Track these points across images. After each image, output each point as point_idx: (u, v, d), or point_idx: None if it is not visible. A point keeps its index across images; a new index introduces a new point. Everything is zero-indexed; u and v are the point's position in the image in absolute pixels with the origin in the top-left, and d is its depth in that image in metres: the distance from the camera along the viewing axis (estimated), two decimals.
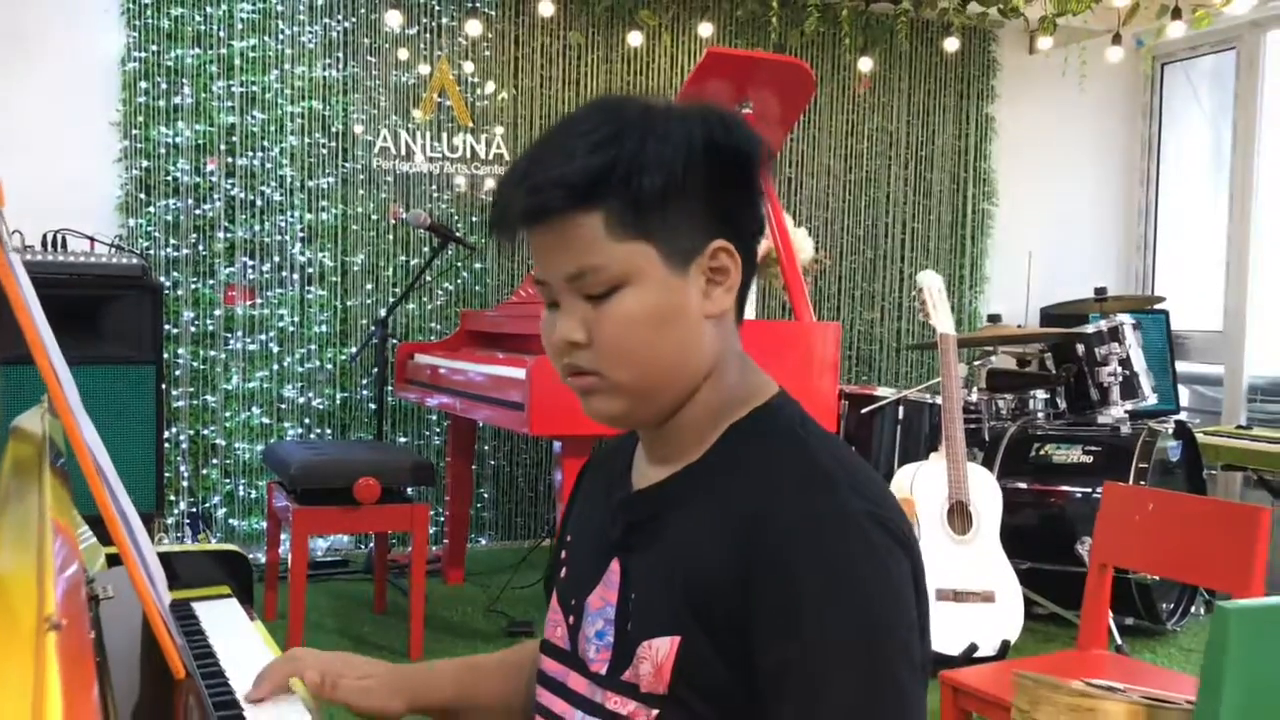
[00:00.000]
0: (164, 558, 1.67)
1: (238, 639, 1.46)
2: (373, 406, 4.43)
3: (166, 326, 4.21)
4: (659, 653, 0.98)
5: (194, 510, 4.40)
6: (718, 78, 3.53)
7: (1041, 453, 3.85)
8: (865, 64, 5.26)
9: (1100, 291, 4.34)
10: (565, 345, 1.01)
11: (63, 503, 0.88)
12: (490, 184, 4.80)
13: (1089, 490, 3.70)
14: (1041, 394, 4.23)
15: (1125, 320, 4.07)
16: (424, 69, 4.71)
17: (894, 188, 5.58)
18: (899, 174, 5.58)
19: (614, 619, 1.05)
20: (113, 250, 3.92)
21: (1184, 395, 5.64)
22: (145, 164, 4.29)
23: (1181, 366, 5.55)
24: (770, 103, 3.68)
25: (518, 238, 1.02)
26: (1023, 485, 3.82)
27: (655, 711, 0.98)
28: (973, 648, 3.19)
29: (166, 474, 4.19)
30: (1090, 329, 4.06)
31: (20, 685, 0.38)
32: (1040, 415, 4.19)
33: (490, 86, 4.81)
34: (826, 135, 5.43)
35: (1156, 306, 5.16)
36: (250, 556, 4.26)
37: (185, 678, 0.88)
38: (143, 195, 4.29)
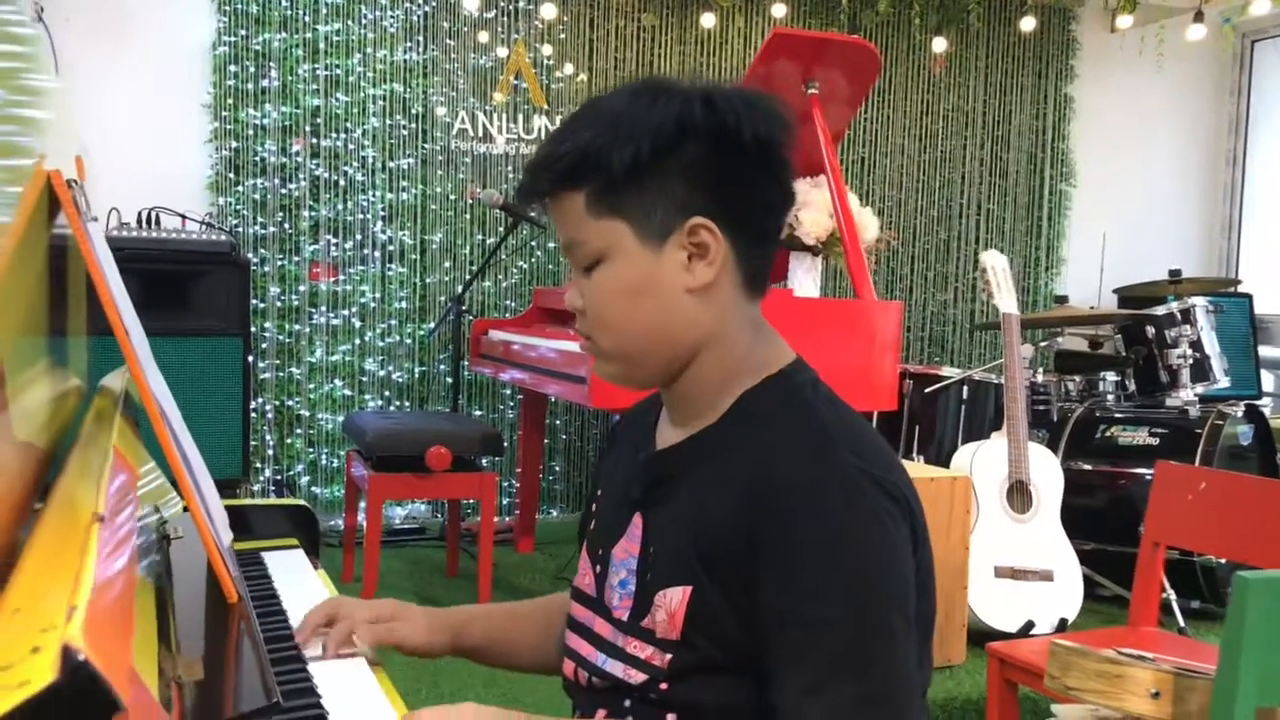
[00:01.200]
0: (238, 510, 1.79)
1: (299, 584, 1.57)
2: (449, 380, 4.56)
3: (254, 301, 4.38)
4: (672, 601, 1.07)
5: (279, 478, 4.59)
6: (783, 58, 3.57)
7: (1107, 434, 3.84)
8: (939, 44, 5.24)
9: (1175, 273, 4.30)
10: (573, 309, 1.11)
11: (128, 440, 0.98)
12: None
13: (1153, 472, 3.67)
14: (1112, 376, 4.21)
15: (1198, 303, 4.02)
16: (502, 52, 4.82)
17: (969, 168, 5.55)
18: (974, 154, 5.55)
19: (636, 570, 1.13)
20: (203, 228, 4.09)
21: (1267, 380, 5.54)
22: (234, 145, 4.46)
23: (1265, 351, 5.44)
24: (837, 83, 3.72)
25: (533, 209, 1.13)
26: (1087, 466, 3.82)
27: (669, 655, 1.07)
28: (1029, 625, 3.21)
29: (253, 442, 4.37)
30: (1160, 311, 4.02)
31: (69, 569, 0.48)
32: (1110, 397, 4.17)
33: (567, 69, 4.91)
34: (901, 115, 5.42)
35: (1237, 290, 5.07)
36: (331, 523, 4.45)
37: (238, 601, 0.99)
38: (232, 175, 4.47)
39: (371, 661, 1.25)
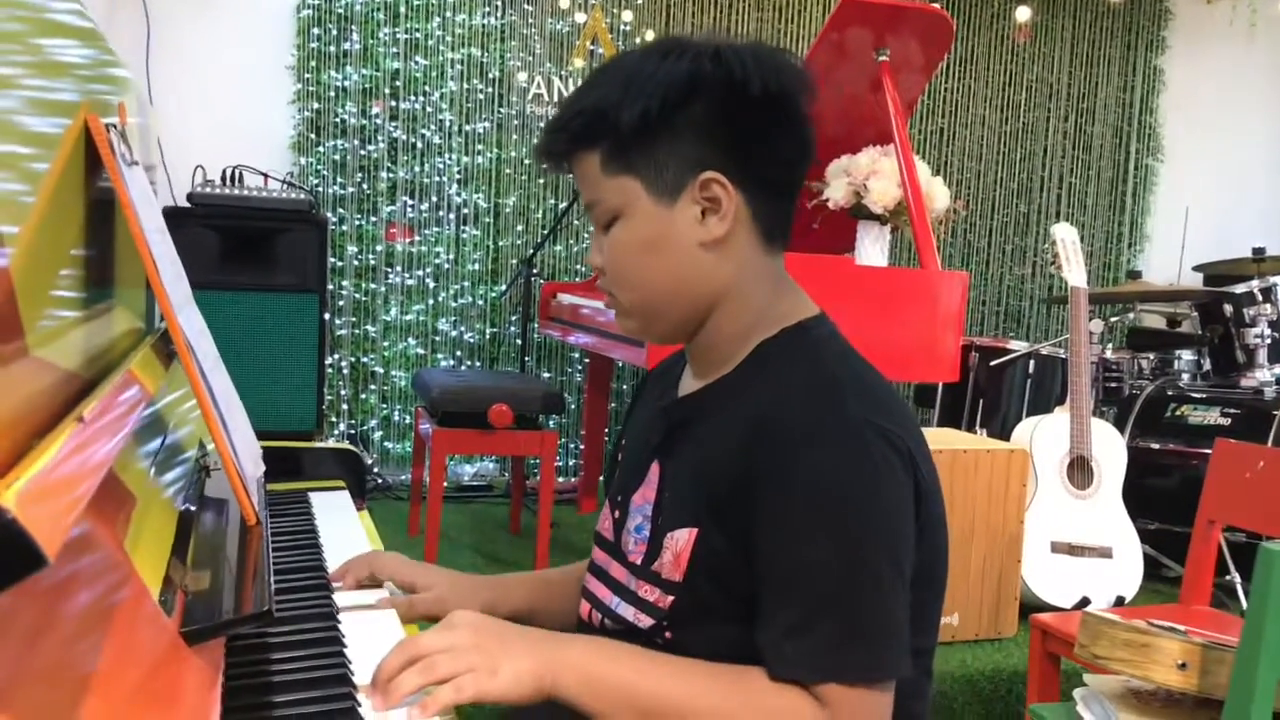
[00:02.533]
0: (289, 452, 1.88)
1: (340, 521, 1.65)
2: (518, 341, 4.64)
3: (331, 259, 4.50)
4: (678, 543, 1.10)
5: (352, 432, 4.72)
6: (855, 25, 3.55)
7: (1177, 413, 3.77)
8: (1023, 13, 5.14)
9: (1258, 251, 4.19)
10: (594, 268, 1.15)
11: (150, 366, 1.05)
12: None
13: None
14: (1187, 355, 4.12)
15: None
16: (579, 17, 4.85)
17: (1052, 140, 5.45)
18: (1057, 126, 5.45)
19: (650, 515, 1.18)
20: (284, 186, 4.20)
21: None
22: (316, 106, 4.57)
23: None
24: (910, 51, 3.68)
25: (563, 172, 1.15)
26: (1155, 445, 3.75)
27: (671, 597, 1.11)
28: (1084, 601, 3.18)
29: (328, 397, 4.51)
30: (1239, 289, 3.92)
31: (39, 452, 0.53)
32: (1185, 376, 4.09)
33: (649, 35, 4.92)
34: (982, 85, 5.34)
35: None
36: (402, 477, 4.56)
37: (256, 524, 1.05)
38: (313, 136, 4.58)
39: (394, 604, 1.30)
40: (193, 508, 1.08)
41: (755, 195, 1.10)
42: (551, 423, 3.93)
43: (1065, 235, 3.49)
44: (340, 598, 1.27)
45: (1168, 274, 5.27)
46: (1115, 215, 5.54)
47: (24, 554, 0.43)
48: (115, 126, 1.02)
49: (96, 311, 1.10)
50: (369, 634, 1.14)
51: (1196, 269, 4.97)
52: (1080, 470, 3.31)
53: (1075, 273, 3.44)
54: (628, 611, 1.17)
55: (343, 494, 1.81)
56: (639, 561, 1.17)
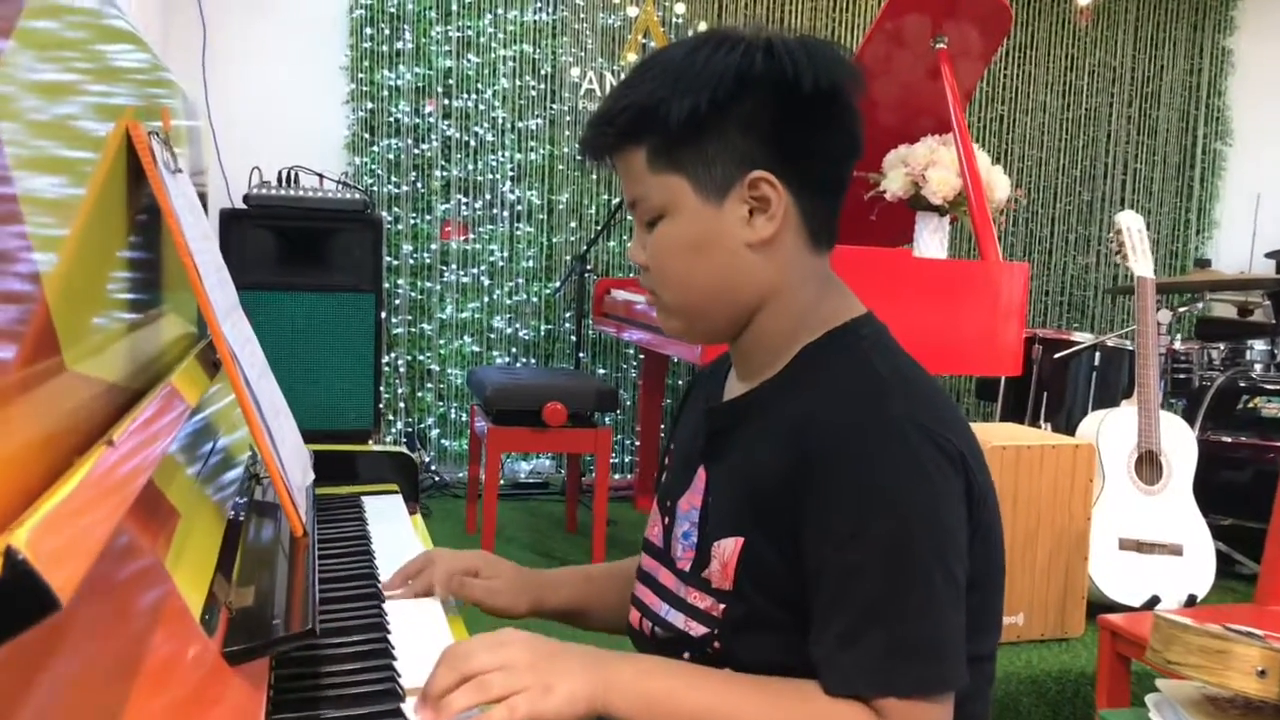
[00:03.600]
0: (343, 456, 1.87)
1: (392, 527, 1.63)
2: (573, 338, 4.62)
3: (387, 258, 4.51)
4: (725, 551, 1.07)
5: (409, 430, 4.74)
6: (911, 13, 3.48)
7: (1250, 405, 3.66)
8: None
9: None
10: (637, 266, 1.12)
11: (193, 377, 1.03)
12: None
13: None
14: (1260, 345, 4.00)
15: None
16: (632, 11, 4.82)
17: (1115, 125, 5.33)
18: (1121, 111, 5.32)
19: (698, 522, 1.15)
20: (339, 186, 4.21)
21: None
22: (370, 106, 4.59)
23: None
24: (968, 38, 3.61)
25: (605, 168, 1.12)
26: (1228, 438, 3.65)
27: (723, 606, 1.08)
28: (1154, 600, 3.10)
29: (385, 395, 4.53)
30: None
31: (63, 481, 0.51)
32: (1258, 367, 3.96)
33: (702, 26, 4.87)
34: (1043, 70, 5.23)
35: None
36: (459, 474, 4.56)
37: (304, 536, 1.03)
38: (367, 135, 4.60)
39: (449, 609, 1.28)
40: (241, 517, 1.07)
41: (803, 194, 1.07)
42: (606, 420, 3.91)
43: (1130, 223, 3.39)
44: (391, 593, 1.26)
45: (1238, 261, 5.13)
46: (1182, 202, 5.41)
47: (36, 596, 0.41)
48: (158, 133, 1.01)
49: (146, 319, 1.10)
50: (418, 640, 1.13)
51: (1270, 255, 4.82)
52: (1149, 465, 3.22)
53: (1142, 262, 3.35)
54: (678, 619, 1.14)
55: (395, 498, 1.80)
56: (687, 568, 1.15)
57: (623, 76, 4.74)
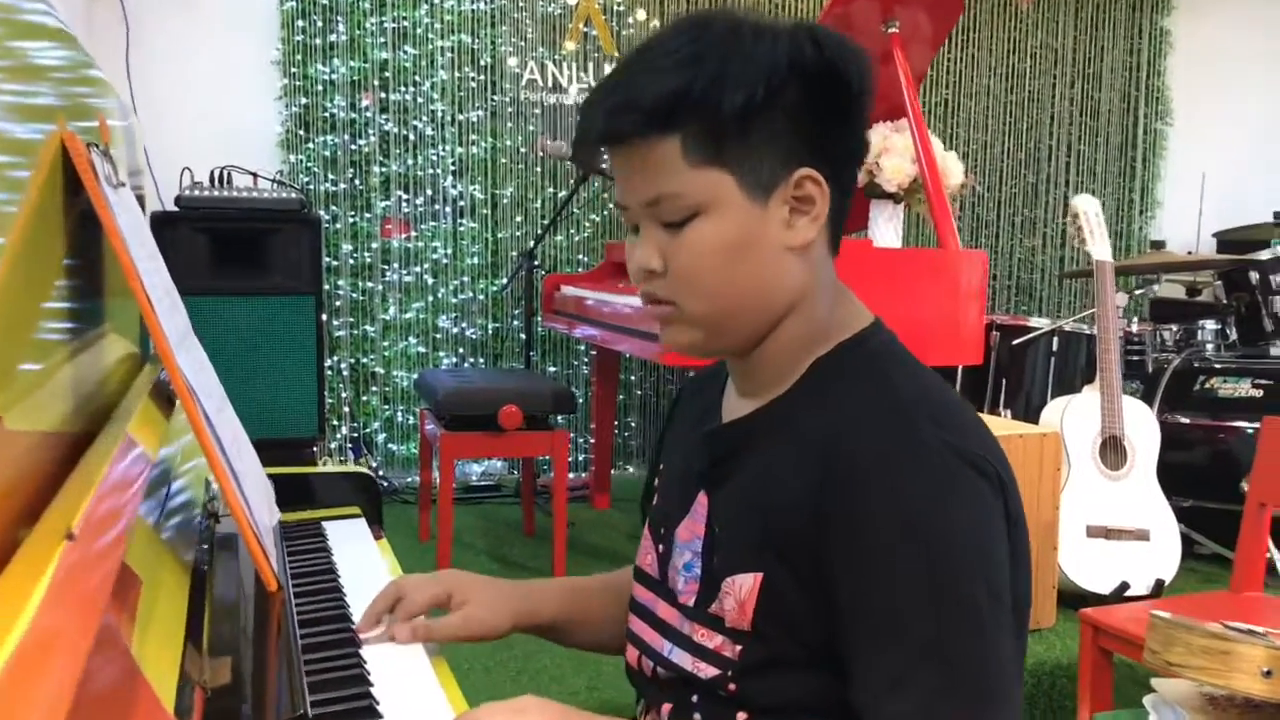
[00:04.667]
0: (299, 479, 1.76)
1: (360, 556, 1.53)
2: (522, 336, 4.51)
3: (326, 259, 4.36)
4: (742, 589, 0.98)
5: (355, 435, 4.60)
6: None
7: (1207, 386, 3.66)
8: None
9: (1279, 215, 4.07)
10: (643, 273, 1.01)
11: (151, 422, 0.92)
12: None
13: (1257, 426, 3.50)
14: (1211, 325, 4.01)
15: None
16: None
17: (1058, 108, 5.32)
18: (1064, 93, 5.32)
19: (701, 552, 1.06)
20: (274, 185, 4.06)
21: None
22: (304, 101, 4.43)
23: None
24: (919, 21, 3.55)
25: (599, 159, 1.02)
26: (1185, 420, 3.64)
27: (740, 647, 0.99)
28: (1124, 586, 3.08)
29: (328, 400, 4.38)
30: (1264, 255, 3.81)
31: (20, 595, 0.41)
32: (1209, 347, 3.97)
33: (640, 14, 4.78)
34: (986, 54, 5.21)
35: None
36: (408, 479, 4.44)
37: (278, 590, 0.93)
38: (302, 132, 4.44)
39: (430, 650, 1.19)
40: (204, 565, 0.96)
41: (833, 196, 0.99)
42: (560, 420, 3.81)
43: (1087, 207, 3.36)
44: (366, 636, 1.16)
45: (1184, 241, 5.16)
46: (1125, 182, 5.43)
47: None
48: (97, 144, 0.90)
49: (87, 342, 0.99)
50: (403, 693, 1.03)
51: (1216, 235, 4.85)
52: (1113, 450, 3.20)
53: (1099, 245, 3.32)
54: (684, 659, 1.05)
55: (358, 523, 1.69)
56: (691, 603, 1.06)
57: (567, 67, 4.66)
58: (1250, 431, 3.56)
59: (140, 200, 1.65)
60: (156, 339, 0.87)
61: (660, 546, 1.13)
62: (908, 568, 0.89)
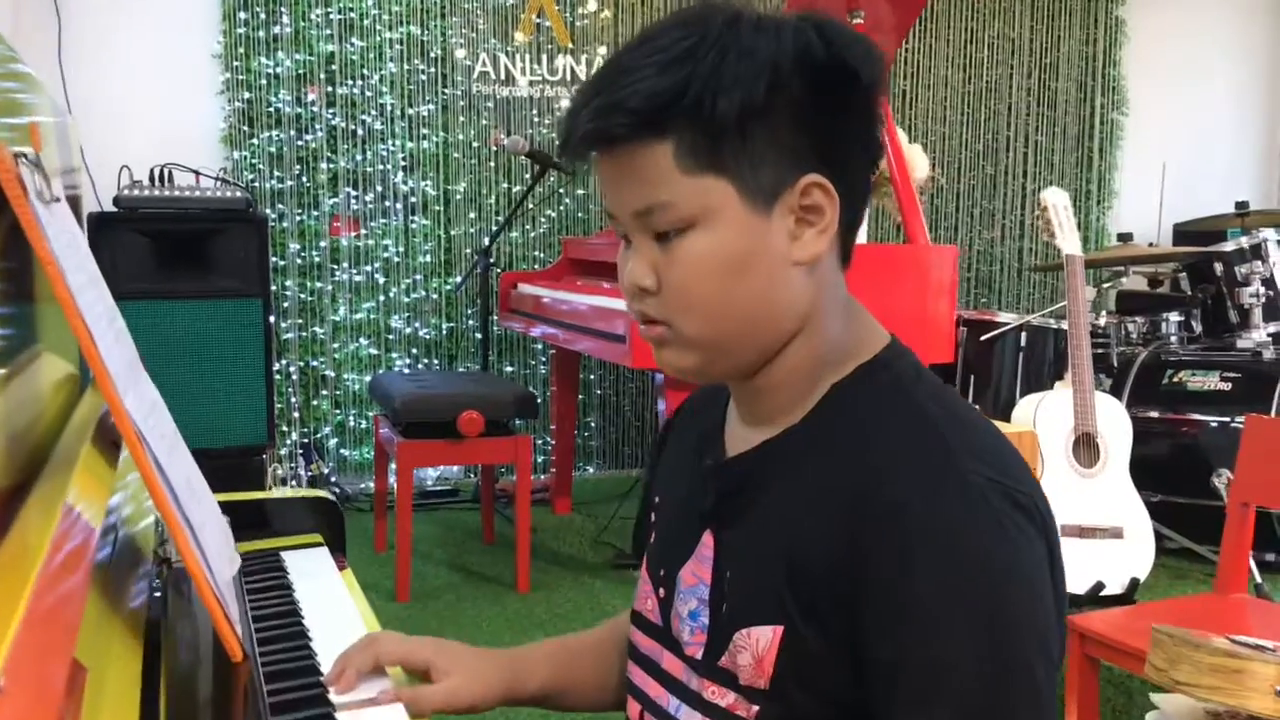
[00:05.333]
0: (254, 505, 1.64)
1: (323, 592, 1.41)
2: (478, 336, 4.39)
3: (273, 259, 4.22)
4: (759, 644, 0.89)
5: (305, 441, 4.45)
6: None
7: (1175, 379, 3.63)
8: None
9: (1241, 206, 4.05)
10: (634, 290, 0.91)
11: (97, 476, 0.81)
12: None
13: (1226, 420, 3.49)
14: (1175, 317, 3.98)
15: (1269, 237, 3.79)
16: None
17: (1016, 98, 5.29)
18: (1021, 84, 5.29)
19: (708, 599, 0.96)
20: (218, 183, 3.91)
21: None
22: (247, 95, 4.27)
23: None
24: (883, 13, 3.48)
25: (585, 163, 0.92)
26: (1154, 414, 3.61)
27: (756, 707, 0.89)
28: (1099, 586, 3.04)
29: (277, 406, 4.24)
30: (1229, 246, 3.79)
31: None
32: (1174, 339, 3.95)
33: (591, 4, 4.67)
34: (944, 44, 5.15)
35: None
36: (361, 485, 4.31)
37: (244, 660, 0.82)
38: (245, 127, 4.28)
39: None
40: (160, 622, 0.85)
41: (846, 204, 0.90)
42: (522, 424, 3.70)
43: (1056, 200, 3.31)
44: (337, 698, 1.05)
45: (1143, 232, 5.14)
46: (1082, 172, 5.40)
47: None
48: (26, 156, 0.78)
49: (18, 366, 0.87)
50: None
51: (1178, 226, 4.83)
52: (1086, 448, 3.15)
53: (1069, 239, 3.27)
54: (692, 717, 0.95)
55: (320, 552, 1.57)
56: (699, 655, 0.95)
57: (520, 59, 4.54)
58: (1216, 425, 3.54)
59: (76, 202, 1.53)
60: (101, 381, 0.76)
61: (661, 590, 1.03)
62: (953, 619, 0.80)
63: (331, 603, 1.38)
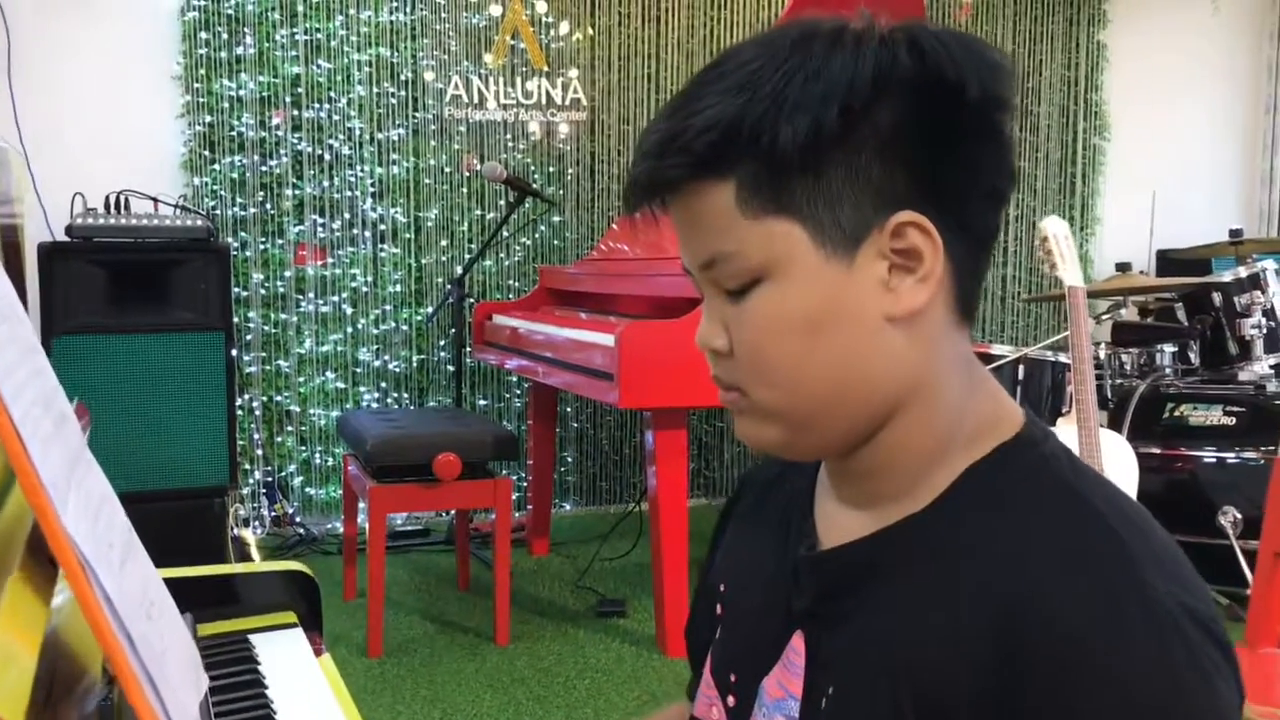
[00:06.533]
0: (219, 582, 1.46)
1: (301, 688, 1.24)
2: (450, 369, 4.22)
3: (235, 289, 4.03)
4: None
5: (269, 480, 4.25)
6: (816, 6, 3.20)
7: (1176, 414, 3.52)
8: None
9: (1236, 233, 3.96)
10: (709, 352, 0.78)
11: (26, 620, 0.64)
12: (564, 127, 4.53)
13: (1231, 455, 3.38)
14: (1170, 348, 3.87)
15: (1268, 265, 3.69)
16: (495, 10, 4.44)
17: None
18: None
19: (798, 717, 0.80)
20: (177, 211, 3.72)
21: None
22: (208, 119, 4.09)
23: None
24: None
25: (654, 212, 0.77)
26: (1155, 450, 3.49)
27: None
28: None
29: (240, 443, 4.04)
30: (1228, 277, 3.69)
31: None
32: (1169, 371, 3.83)
33: (565, 27, 4.52)
34: None
35: None
36: (328, 525, 4.11)
37: None
38: (207, 152, 4.10)
39: None
40: None
41: (958, 246, 0.74)
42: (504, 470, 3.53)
43: (1056, 230, 3.18)
44: None
45: (1131, 260, 5.05)
46: (1065, 198, 5.32)
47: None
48: None
49: None
50: None
51: (1170, 254, 4.73)
52: None
53: (1071, 270, 3.13)
54: None
55: (294, 634, 1.40)
56: None
57: (494, 83, 4.39)
58: (1220, 461, 3.42)
59: (14, 231, 1.36)
60: (31, 494, 0.59)
61: (731, 699, 0.87)
62: None
63: (309, 701, 1.21)
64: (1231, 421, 3.41)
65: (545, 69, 4.51)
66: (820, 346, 0.73)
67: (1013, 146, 0.75)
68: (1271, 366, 3.62)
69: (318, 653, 1.37)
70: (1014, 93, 0.74)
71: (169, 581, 1.40)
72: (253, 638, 1.37)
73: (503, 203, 4.36)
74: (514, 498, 4.40)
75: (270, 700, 1.19)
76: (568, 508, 4.63)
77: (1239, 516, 3.29)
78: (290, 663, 1.31)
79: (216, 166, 4.11)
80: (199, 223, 3.60)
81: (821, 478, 0.86)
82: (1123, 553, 0.68)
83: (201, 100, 4.08)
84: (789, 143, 0.68)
